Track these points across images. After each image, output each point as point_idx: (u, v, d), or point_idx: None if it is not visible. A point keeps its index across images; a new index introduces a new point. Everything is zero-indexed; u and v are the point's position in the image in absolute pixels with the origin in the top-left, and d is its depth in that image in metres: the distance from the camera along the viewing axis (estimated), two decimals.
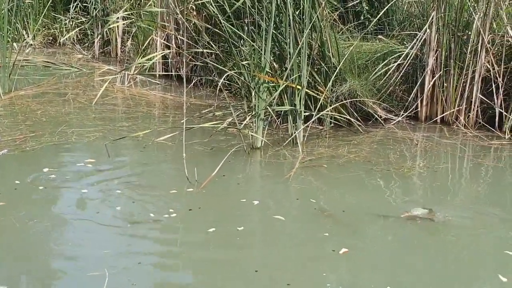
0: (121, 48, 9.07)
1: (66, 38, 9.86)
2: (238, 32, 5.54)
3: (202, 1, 6.04)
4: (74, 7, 9.97)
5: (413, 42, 6.02)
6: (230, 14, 5.46)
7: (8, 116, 5.84)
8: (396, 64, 5.99)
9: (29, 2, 9.72)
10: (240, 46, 5.49)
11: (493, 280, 3.08)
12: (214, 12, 5.58)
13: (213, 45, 6.14)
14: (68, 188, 4.13)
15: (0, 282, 2.43)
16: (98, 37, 9.40)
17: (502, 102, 5.82)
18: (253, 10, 5.34)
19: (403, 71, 6.00)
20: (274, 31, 5.26)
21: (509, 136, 5.73)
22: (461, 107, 5.97)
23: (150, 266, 3.13)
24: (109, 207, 3.83)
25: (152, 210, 3.80)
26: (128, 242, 3.36)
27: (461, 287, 3.05)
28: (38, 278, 2.96)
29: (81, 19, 9.96)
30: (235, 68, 5.56)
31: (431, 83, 6.01)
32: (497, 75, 5.79)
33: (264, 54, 5.11)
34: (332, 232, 3.57)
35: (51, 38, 10.16)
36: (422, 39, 6.00)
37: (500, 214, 4.01)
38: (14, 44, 8.41)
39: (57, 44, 10.00)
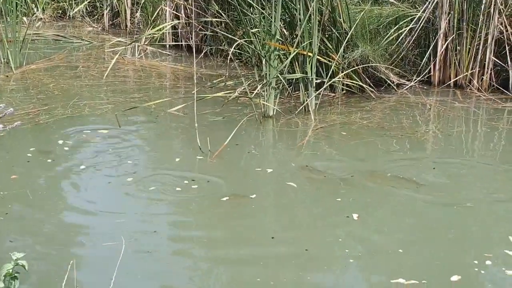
0: (130, 19, 9.03)
1: (76, 11, 9.82)
2: (247, 0, 5.49)
3: None
4: None
5: (425, 5, 5.93)
6: None
7: (20, 90, 5.87)
8: (408, 28, 5.92)
9: None
10: (250, 14, 5.44)
11: (504, 242, 3.08)
12: None
13: (223, 14, 6.09)
14: (81, 159, 4.16)
15: (17, 250, 2.46)
16: (107, 9, 9.35)
17: None
18: None
19: (415, 35, 5.94)
20: None
21: None
22: (474, 70, 5.91)
23: (165, 235, 3.17)
24: (122, 175, 3.86)
25: (165, 180, 3.83)
26: (142, 211, 3.39)
27: (472, 250, 3.05)
28: (53, 248, 3.00)
29: None
30: (245, 37, 5.52)
31: (444, 46, 5.94)
32: (510, 37, 5.71)
33: (274, 21, 5.07)
34: (345, 197, 3.58)
35: (60, 12, 10.12)
36: (434, 2, 5.91)
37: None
38: (24, 18, 8.38)
39: (67, 18, 9.97)
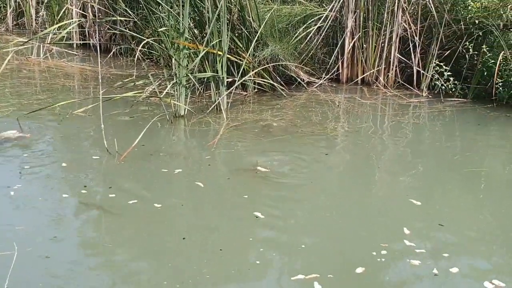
0: (35, 19, 8.69)
1: None
2: None
3: None
4: None
5: (332, 4, 6.04)
6: None
7: None
8: (316, 27, 6.01)
9: None
10: (158, 12, 5.34)
11: (398, 230, 3.17)
12: None
13: (130, 13, 5.96)
14: None
15: None
16: (11, 9, 8.96)
17: (420, 60, 5.97)
18: None
19: (323, 33, 6.04)
20: None
21: (426, 93, 5.89)
22: (380, 68, 6.08)
23: (67, 241, 3.03)
24: (24, 183, 3.68)
25: (67, 186, 3.67)
26: (42, 218, 3.24)
27: (368, 242, 3.12)
28: None
29: None
30: (154, 36, 5.42)
31: (351, 45, 6.08)
32: (414, 34, 5.92)
33: (183, 19, 5.00)
34: (253, 194, 3.57)
35: None
36: (341, 1, 6.03)
37: (417, 169, 4.13)
38: None
39: None
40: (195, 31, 5.64)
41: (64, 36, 7.04)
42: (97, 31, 6.99)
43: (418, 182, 3.92)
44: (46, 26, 8.32)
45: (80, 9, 7.33)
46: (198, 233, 3.14)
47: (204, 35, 5.40)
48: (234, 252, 2.94)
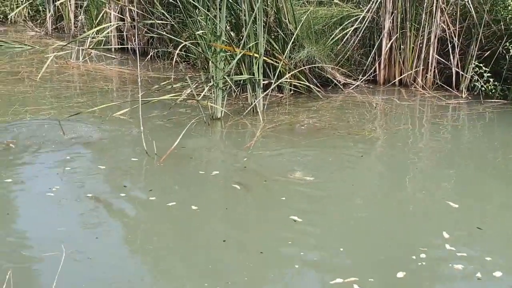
0: (74, 23, 8.85)
1: (17, 15, 9.56)
2: (193, 2, 5.44)
3: None
4: None
5: (369, 5, 6.00)
6: None
7: None
8: (353, 28, 5.98)
9: None
10: (195, 16, 5.38)
11: (437, 234, 3.13)
12: None
13: (168, 16, 6.02)
14: (24, 166, 4.03)
15: None
16: (50, 13, 9.14)
17: (458, 61, 5.88)
18: None
19: (360, 35, 6.00)
20: None
21: (465, 95, 5.80)
22: (418, 69, 6.01)
23: (107, 242, 3.08)
24: (66, 183, 3.75)
25: (107, 188, 3.73)
26: (83, 220, 3.29)
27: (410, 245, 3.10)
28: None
29: None
30: (191, 39, 5.47)
31: (388, 46, 6.03)
32: (453, 35, 5.84)
33: (220, 22, 5.03)
34: (289, 197, 3.57)
35: (1, 16, 9.84)
36: (378, 2, 5.99)
37: (456, 171, 4.07)
38: None
39: (9, 22, 9.69)
40: (232, 33, 5.67)
41: (102, 40, 7.14)
42: (136, 35, 7.08)
43: (457, 184, 3.87)
44: (85, 30, 8.46)
45: (118, 13, 7.44)
46: (237, 236, 3.16)
47: (241, 37, 5.43)
48: (273, 255, 2.94)
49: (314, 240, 3.11)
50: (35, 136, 4.56)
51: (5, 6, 9.84)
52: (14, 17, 9.62)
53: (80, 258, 2.85)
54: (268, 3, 5.51)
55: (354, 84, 6.01)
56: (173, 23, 5.97)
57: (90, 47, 7.13)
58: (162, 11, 6.14)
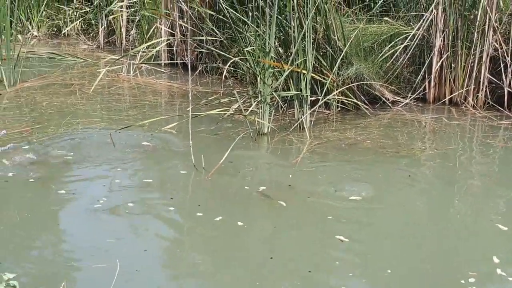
0: (125, 37, 9.04)
1: (70, 29, 9.82)
2: (242, 18, 5.50)
3: None
4: None
5: (420, 23, 5.94)
6: (234, 0, 5.41)
7: (13, 108, 5.83)
8: (402, 45, 5.92)
9: None
10: (245, 32, 5.43)
11: (487, 258, 3.05)
12: None
13: (217, 32, 6.10)
14: (75, 178, 4.12)
15: (9, 270, 2.43)
16: (102, 27, 9.36)
17: (511, 81, 5.75)
18: None
19: (410, 52, 5.94)
20: (278, 16, 5.21)
21: None
22: (469, 88, 5.91)
23: (155, 255, 3.12)
24: (114, 195, 3.82)
25: (156, 201, 3.78)
26: (132, 232, 3.34)
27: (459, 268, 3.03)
28: (45, 269, 2.95)
29: (85, 9, 9.92)
30: (240, 55, 5.52)
31: (439, 64, 5.95)
32: (505, 54, 5.72)
33: (269, 39, 5.06)
34: (335, 216, 3.54)
35: (55, 29, 10.13)
36: (429, 19, 5.93)
37: (506, 193, 3.97)
38: (19, 36, 8.39)
39: (62, 35, 9.97)
40: (280, 50, 5.69)
41: (153, 54, 7.27)
42: (188, 50, 7.18)
43: (507, 207, 3.77)
44: (136, 44, 8.63)
45: (168, 28, 7.57)
46: (284, 253, 3.15)
47: (289, 54, 5.45)
48: (322, 275, 2.93)
49: (361, 260, 3.08)
50: (86, 148, 4.67)
51: (58, 20, 10.13)
52: (67, 30, 9.89)
53: (129, 270, 2.89)
54: (318, 20, 5.51)
55: (403, 102, 5.95)
56: (222, 38, 6.03)
57: (141, 61, 7.26)
58: (212, 27, 6.22)
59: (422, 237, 3.34)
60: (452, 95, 6.00)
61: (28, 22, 9.71)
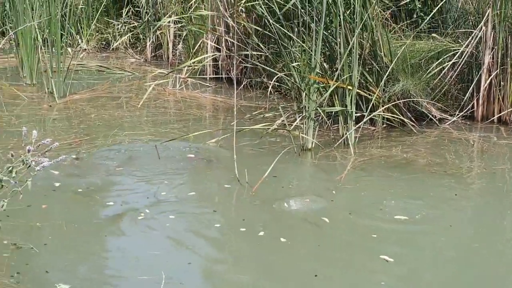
0: (172, 51, 9.16)
1: (119, 43, 10.02)
2: (288, 33, 5.51)
3: (252, 3, 6.02)
4: (126, 12, 10.13)
5: (468, 40, 5.85)
6: (279, 15, 5.44)
7: (63, 120, 5.98)
8: (450, 62, 5.84)
9: (82, 8, 9.93)
10: (290, 47, 5.45)
11: None
12: (263, 14, 5.56)
13: (263, 47, 6.13)
14: (121, 188, 4.18)
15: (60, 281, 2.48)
16: (150, 41, 9.52)
17: None
18: (302, 11, 5.29)
19: (458, 70, 5.85)
20: (324, 32, 5.20)
21: None
22: None
23: (199, 268, 3.13)
24: (153, 208, 3.85)
25: (199, 215, 3.80)
26: (176, 244, 3.36)
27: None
28: (93, 278, 3.00)
29: (134, 23, 10.12)
30: (285, 70, 5.53)
31: (488, 81, 5.84)
32: None
33: (314, 54, 5.06)
34: (380, 235, 3.49)
35: (104, 43, 10.35)
36: (478, 37, 5.83)
37: None
38: (69, 49, 8.60)
39: (110, 49, 10.17)
40: (325, 65, 5.68)
41: (199, 69, 7.34)
42: (234, 65, 7.24)
43: None
44: (182, 58, 8.74)
45: (214, 43, 7.65)
46: (329, 271, 3.12)
47: (334, 69, 5.43)
48: None
49: (406, 282, 3.02)
50: (132, 160, 4.74)
51: (107, 33, 10.35)
52: (116, 44, 10.09)
53: (173, 282, 2.90)
54: (364, 36, 5.49)
55: (450, 120, 5.85)
56: (267, 54, 6.06)
57: (187, 75, 7.35)
58: (258, 42, 6.26)
59: (468, 259, 3.26)
60: (501, 114, 5.87)
61: (78, 36, 9.95)
